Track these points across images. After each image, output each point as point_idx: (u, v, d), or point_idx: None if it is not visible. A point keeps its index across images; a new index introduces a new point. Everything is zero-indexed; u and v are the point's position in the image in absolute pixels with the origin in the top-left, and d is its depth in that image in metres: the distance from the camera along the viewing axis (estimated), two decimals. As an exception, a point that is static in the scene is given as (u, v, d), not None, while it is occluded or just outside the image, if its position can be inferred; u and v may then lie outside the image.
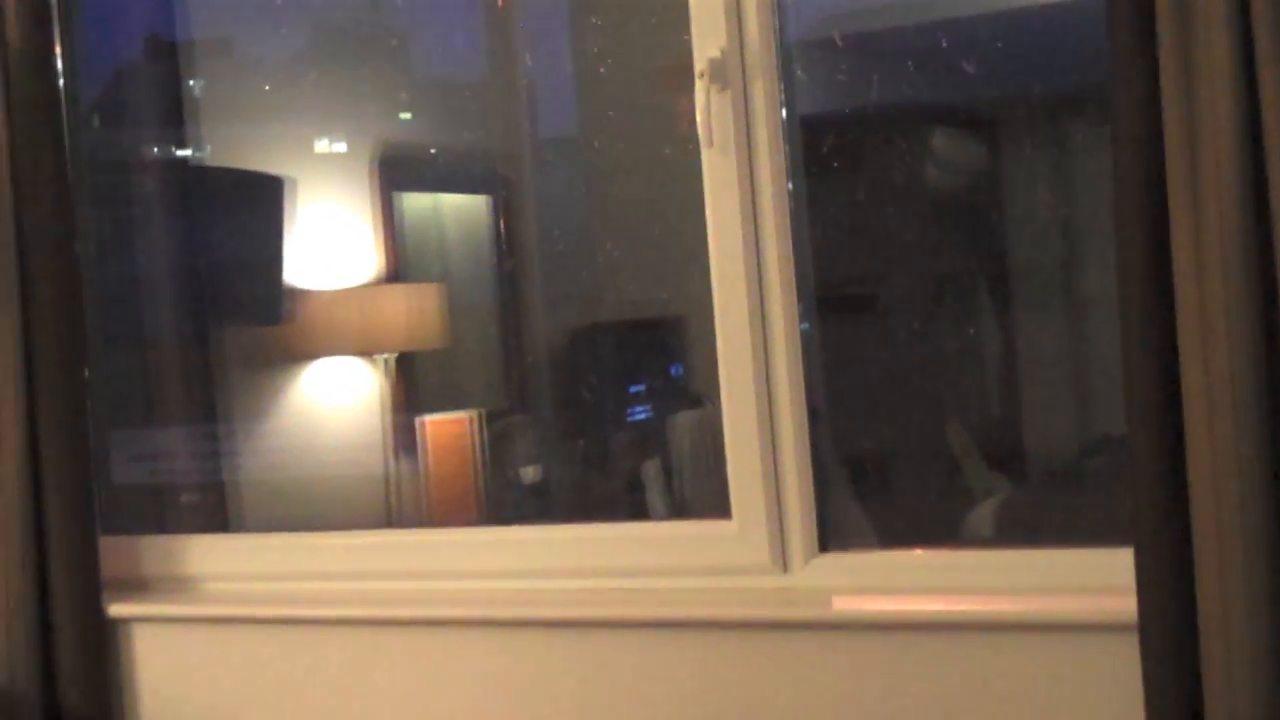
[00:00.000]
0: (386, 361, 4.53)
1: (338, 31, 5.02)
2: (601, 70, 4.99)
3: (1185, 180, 2.13)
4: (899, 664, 2.54)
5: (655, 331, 4.92)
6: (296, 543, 3.25)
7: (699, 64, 2.73)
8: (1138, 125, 2.17)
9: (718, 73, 2.72)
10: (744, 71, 2.73)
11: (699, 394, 4.52)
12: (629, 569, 2.86)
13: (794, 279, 2.74)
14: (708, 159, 2.75)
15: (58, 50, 3.21)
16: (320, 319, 4.49)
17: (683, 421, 4.44)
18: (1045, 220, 4.61)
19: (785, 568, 2.73)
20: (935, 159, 4.64)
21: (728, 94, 2.72)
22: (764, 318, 2.73)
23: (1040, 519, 3.97)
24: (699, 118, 2.72)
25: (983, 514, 4.07)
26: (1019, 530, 3.97)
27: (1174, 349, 2.16)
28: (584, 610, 2.81)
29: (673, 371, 4.93)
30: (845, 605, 2.61)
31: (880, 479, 4.41)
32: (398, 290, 4.66)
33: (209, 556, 3.28)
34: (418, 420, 4.48)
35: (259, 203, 4.50)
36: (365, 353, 4.54)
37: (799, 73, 3.03)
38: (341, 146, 4.87)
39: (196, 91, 4.55)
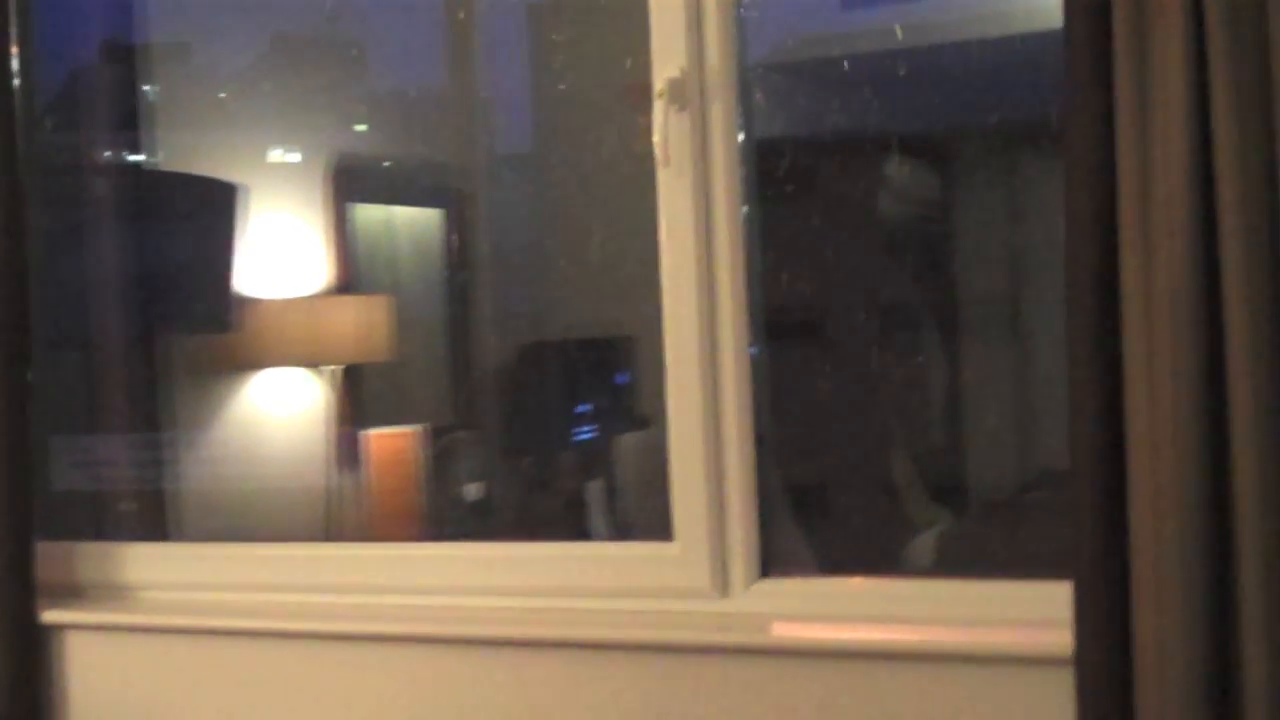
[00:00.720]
0: (333, 373, 4.51)
1: (296, 41, 5.00)
2: (561, 87, 4.99)
3: (1136, 214, 2.14)
4: (837, 691, 2.54)
5: (603, 351, 4.92)
6: (235, 553, 3.23)
7: (658, 83, 2.74)
8: (1090, 158, 2.18)
9: (676, 93, 2.72)
10: (703, 92, 2.74)
11: (645, 415, 4.51)
12: (569, 589, 2.86)
13: (745, 302, 2.74)
14: (663, 179, 2.76)
15: (13, 50, 3.19)
16: (268, 328, 4.46)
17: (628, 442, 4.44)
18: (996, 252, 4.63)
19: (726, 592, 2.73)
20: (888, 187, 4.66)
21: (685, 114, 2.73)
22: (714, 341, 2.73)
23: (980, 551, 3.98)
24: (656, 137, 2.73)
25: (923, 544, 4.08)
26: (959, 561, 3.98)
27: (1120, 384, 2.17)
28: (523, 629, 2.80)
29: (619, 392, 4.92)
30: (785, 631, 2.61)
31: (822, 506, 4.41)
32: (347, 302, 4.64)
33: (146, 564, 3.26)
34: (361, 434, 4.46)
35: (211, 209, 4.47)
36: (312, 363, 4.52)
37: (757, 96, 3.04)
38: (296, 156, 4.84)
39: (152, 96, 4.52)
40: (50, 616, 3.17)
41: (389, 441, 4.43)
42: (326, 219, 4.70)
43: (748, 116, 2.82)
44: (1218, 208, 2.09)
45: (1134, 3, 2.14)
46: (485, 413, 5.09)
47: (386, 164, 5.23)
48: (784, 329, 4.00)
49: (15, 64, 3.20)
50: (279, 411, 4.55)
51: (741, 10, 2.79)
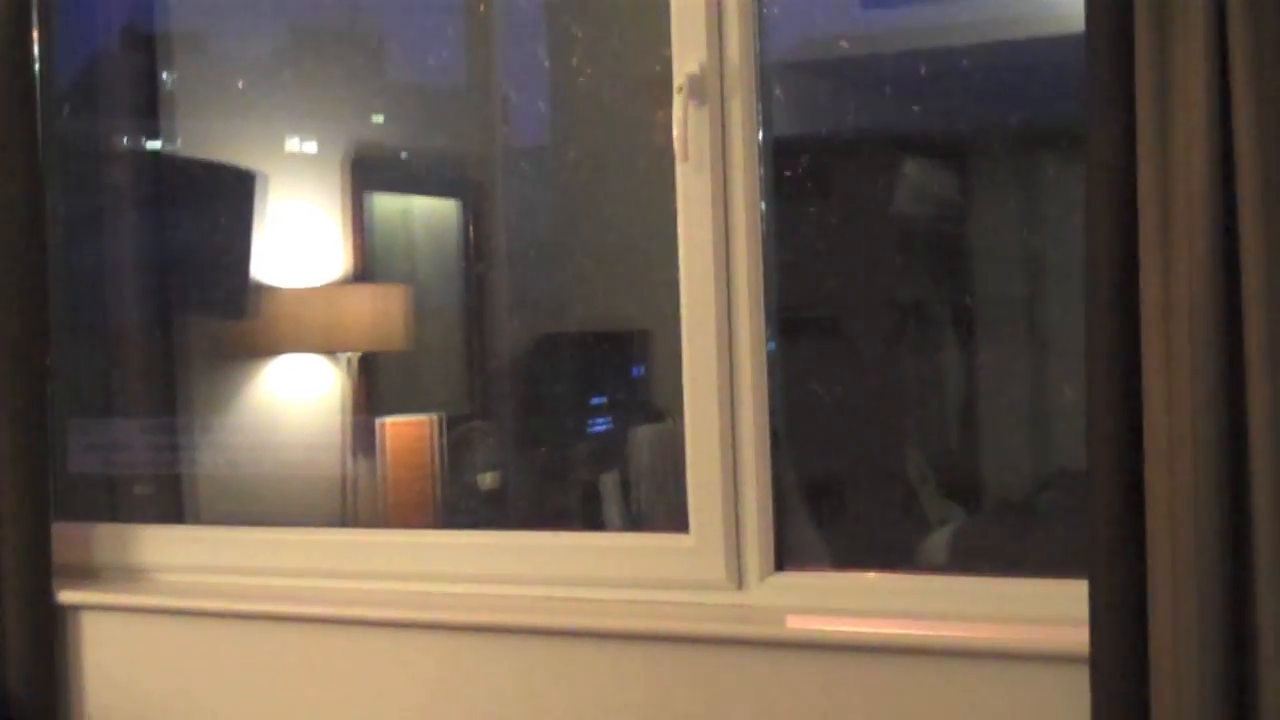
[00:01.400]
0: (349, 361, 4.52)
1: (315, 31, 5.01)
2: (580, 80, 4.99)
3: (1157, 217, 2.14)
4: (850, 685, 2.55)
5: (619, 343, 4.92)
6: (250, 537, 3.24)
7: (678, 79, 2.74)
8: (1111, 160, 2.19)
9: (696, 88, 2.73)
10: (722, 88, 2.74)
11: (660, 408, 4.52)
12: (584, 578, 2.87)
13: (763, 298, 2.75)
14: (682, 174, 2.76)
15: (34, 36, 3.20)
16: (285, 316, 4.47)
17: (643, 435, 4.44)
18: (1013, 253, 4.64)
19: (740, 584, 2.74)
20: (906, 187, 4.67)
21: (705, 110, 2.73)
22: (731, 335, 2.74)
23: (993, 549, 3.99)
24: (675, 132, 2.73)
25: (937, 541, 4.09)
26: (972, 558, 3.99)
27: (1138, 385, 2.17)
28: (537, 618, 2.81)
29: (635, 384, 4.93)
30: (799, 624, 2.62)
31: (837, 502, 4.42)
32: (364, 290, 4.65)
33: (162, 547, 3.27)
34: (378, 421, 4.47)
35: (229, 196, 4.48)
36: (329, 351, 4.53)
37: (777, 93, 3.04)
38: (313, 146, 4.86)
39: (170, 85, 4.53)
40: (67, 597, 3.19)
41: (405, 429, 4.44)
42: (344, 208, 4.72)
43: (767, 113, 2.83)
44: (1239, 211, 2.10)
45: (1156, 5, 2.14)
46: (501, 403, 5.10)
47: (404, 155, 5.24)
48: (800, 325, 4.00)
49: (36, 50, 3.21)
50: (295, 398, 4.57)
51: (762, 7, 2.80)
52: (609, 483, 4.42)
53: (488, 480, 4.69)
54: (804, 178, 4.25)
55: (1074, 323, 2.25)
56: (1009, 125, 4.39)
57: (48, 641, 3.16)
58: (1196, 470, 2.10)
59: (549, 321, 5.06)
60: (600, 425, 4.97)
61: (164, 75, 4.49)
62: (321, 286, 4.59)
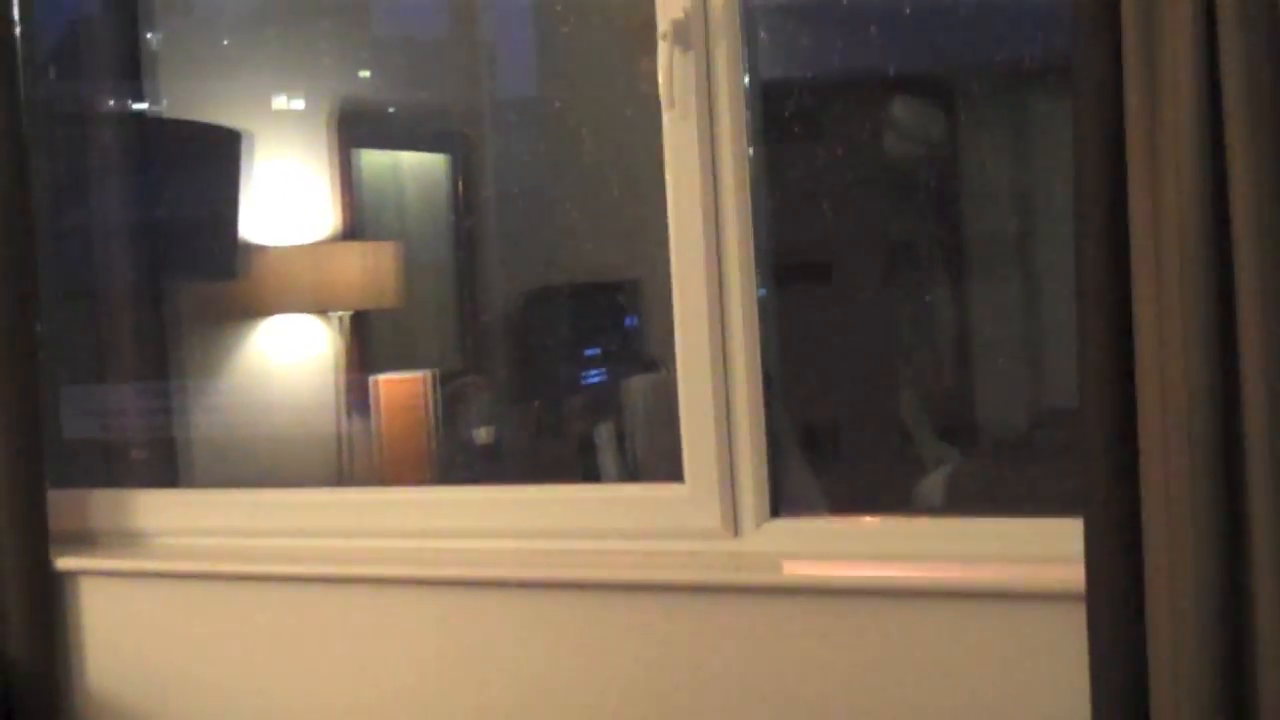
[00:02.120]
0: (341, 319, 4.51)
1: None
2: (564, 30, 4.96)
3: (1145, 151, 2.13)
4: (848, 629, 2.55)
5: (611, 294, 4.91)
6: (246, 499, 3.24)
7: (662, 25, 2.73)
8: (1098, 94, 2.18)
9: (680, 34, 2.71)
10: (707, 33, 2.73)
11: (654, 358, 4.51)
12: (580, 531, 2.87)
13: (752, 245, 2.74)
14: (668, 121, 2.75)
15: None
16: (275, 275, 4.46)
17: (637, 385, 4.44)
18: (1004, 191, 4.62)
19: (736, 532, 2.74)
20: (895, 127, 4.64)
21: (690, 56, 2.72)
22: (721, 283, 2.73)
23: (989, 489, 3.99)
24: (660, 79, 2.72)
25: (933, 483, 4.09)
26: (968, 500, 3.99)
27: (1129, 322, 2.16)
28: (534, 571, 2.82)
29: (628, 335, 4.92)
30: (795, 570, 2.62)
31: (832, 446, 4.42)
32: (353, 248, 4.63)
33: (158, 511, 3.27)
34: (371, 379, 4.46)
35: (216, 156, 4.46)
36: (320, 310, 4.52)
37: (762, 36, 3.02)
38: (300, 103, 4.83)
39: (155, 45, 4.50)
40: (64, 563, 3.19)
41: (399, 387, 4.43)
42: (332, 165, 4.69)
43: (752, 57, 2.81)
44: (1226, 139, 2.09)
45: (1141, -62, 2.13)
46: (494, 357, 5.09)
47: (391, 110, 5.21)
48: (792, 270, 3.98)
49: (16, 13, 3.19)
50: (288, 358, 4.56)
51: (745, -52, 2.77)
52: (604, 434, 4.42)
53: (483, 435, 4.68)
54: (792, 121, 4.22)
55: (1066, 259, 2.24)
56: (996, 62, 4.37)
57: (46, 608, 3.16)
58: (1189, 404, 2.10)
59: (540, 274, 5.05)
60: (594, 377, 4.96)
61: (148, 36, 4.46)
62: (311, 245, 4.57)
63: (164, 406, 4.17)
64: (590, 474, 4.43)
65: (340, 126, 4.73)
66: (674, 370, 2.79)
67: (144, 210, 4.22)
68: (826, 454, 4.32)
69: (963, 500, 3.97)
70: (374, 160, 4.97)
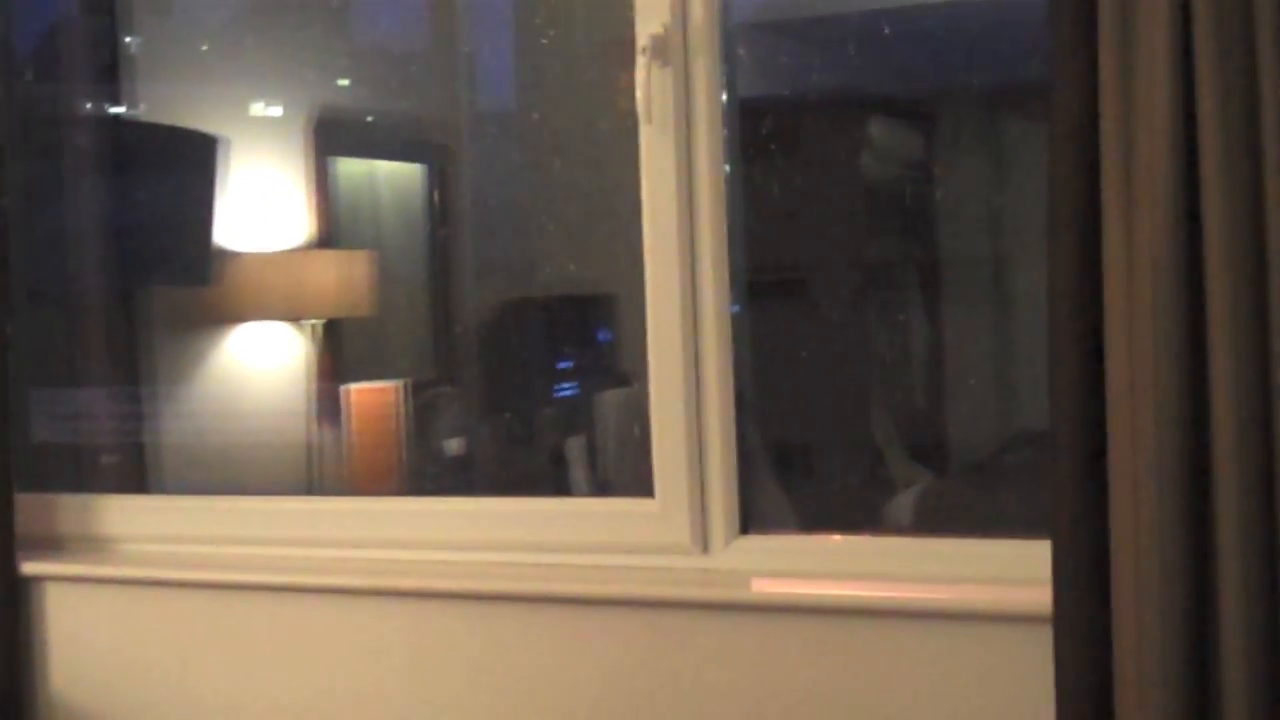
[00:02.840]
0: (314, 328, 4.50)
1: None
2: (543, 42, 4.97)
3: (1119, 178, 2.14)
4: (816, 647, 2.55)
5: (585, 308, 4.91)
6: (215, 506, 3.23)
7: (641, 40, 2.73)
8: (1074, 120, 2.18)
9: (659, 49, 2.71)
10: (686, 49, 2.73)
11: (627, 372, 4.52)
12: (550, 544, 2.86)
13: (727, 261, 2.74)
14: (646, 136, 2.75)
15: (-7, 1, 3.17)
16: (248, 282, 4.44)
17: (609, 399, 4.44)
18: (979, 213, 4.63)
19: (706, 548, 2.74)
20: (872, 148, 4.66)
21: (668, 71, 2.72)
22: (695, 299, 2.73)
23: (959, 510, 4.00)
24: (639, 94, 2.72)
25: (903, 503, 4.10)
26: (938, 520, 4.00)
27: (1100, 347, 2.17)
28: (504, 584, 2.81)
29: (601, 349, 4.92)
30: (764, 587, 2.62)
31: (804, 464, 4.42)
32: (328, 256, 4.62)
33: (126, 517, 3.25)
34: (343, 388, 4.45)
35: (191, 161, 4.44)
36: (293, 318, 4.50)
37: (741, 53, 3.03)
38: (278, 110, 4.82)
39: (133, 48, 4.49)
40: (30, 568, 3.17)
41: (370, 396, 4.42)
42: (308, 173, 4.68)
43: (731, 74, 2.81)
44: (1201, 167, 2.09)
45: (1119, -36, 2.13)
46: (467, 368, 5.08)
47: (369, 119, 5.20)
48: (767, 288, 3.99)
49: (-6, 13, 3.18)
50: (260, 365, 4.54)
51: (726, -33, 2.78)
52: (575, 448, 4.42)
53: (454, 446, 4.68)
54: (770, 139, 4.23)
55: (1040, 282, 2.25)
56: (974, 85, 4.39)
57: (12, 613, 3.14)
58: (1158, 429, 2.10)
59: (515, 286, 5.05)
60: (566, 390, 4.96)
61: (126, 39, 4.45)
62: (285, 252, 4.56)
63: (134, 411, 4.15)
64: (562, 487, 4.43)
65: (317, 134, 4.73)
66: (647, 385, 2.79)
67: (119, 214, 4.21)
68: (798, 472, 4.32)
69: (932, 520, 3.98)
70: (350, 169, 4.96)
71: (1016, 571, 2.45)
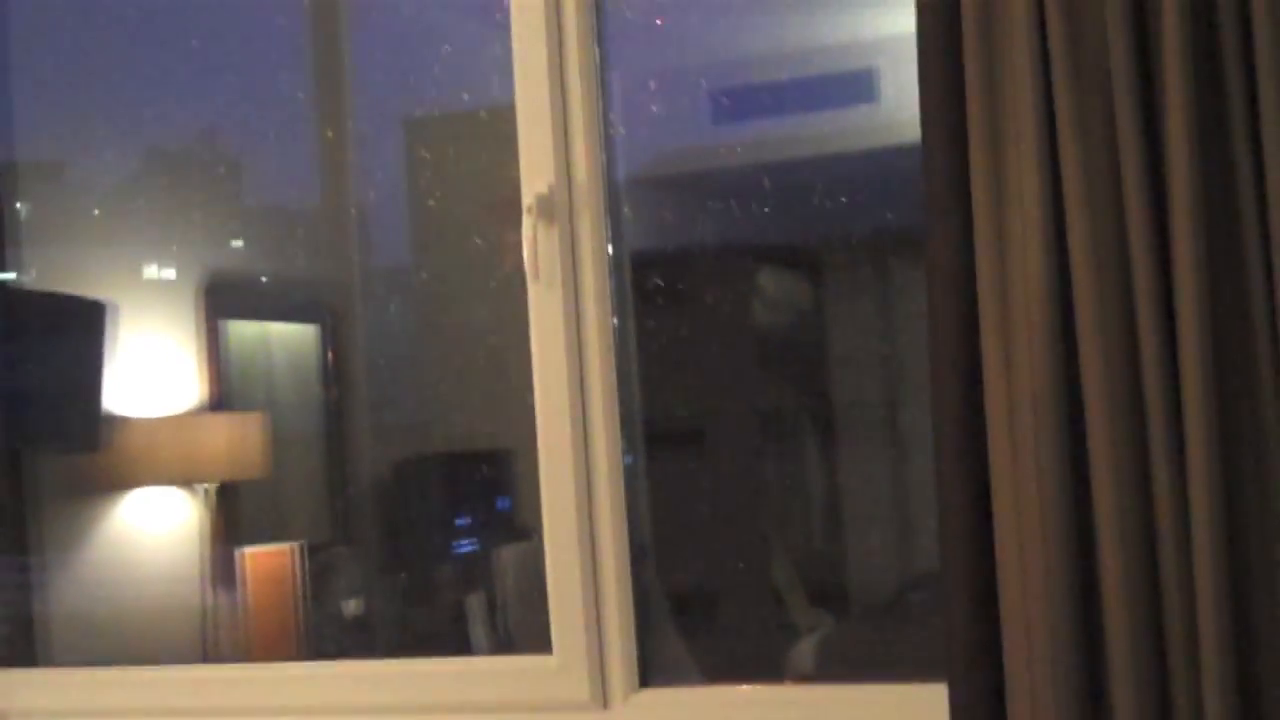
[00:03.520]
0: (207, 491, 4.45)
1: (171, 157, 4.98)
2: (430, 203, 5.01)
3: (997, 321, 2.18)
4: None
5: (483, 464, 4.90)
6: (107, 677, 3.17)
7: (526, 199, 2.77)
8: (951, 265, 2.23)
9: (545, 208, 2.75)
10: (571, 207, 2.77)
11: (526, 527, 4.50)
12: (450, 704, 2.84)
13: (618, 413, 2.76)
14: (534, 293, 2.78)
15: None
16: (139, 447, 4.39)
17: (508, 554, 4.42)
18: (869, 358, 4.69)
19: (605, 703, 2.72)
20: (762, 296, 4.72)
21: (554, 229, 2.75)
22: (587, 451, 2.74)
23: (861, 654, 4.00)
24: (525, 252, 2.75)
25: (805, 649, 4.09)
26: (840, 665, 4.00)
27: (986, 484, 2.20)
28: (402, 747, 2.77)
29: (499, 504, 4.90)
30: (665, 742, 2.60)
31: (705, 613, 4.41)
32: (219, 419, 4.59)
33: (14, 690, 3.19)
34: (238, 551, 4.40)
35: (79, 328, 4.41)
36: (185, 482, 4.45)
37: (627, 210, 3.07)
38: (171, 273, 4.81)
39: (23, 214, 4.47)
40: (-87, 749, 3.09)
41: (266, 559, 4.37)
42: (199, 336, 4.67)
43: (617, 230, 2.85)
44: (1075, 310, 2.14)
45: (989, 119, 2.19)
46: (363, 528, 5.04)
47: (263, 280, 5.20)
48: (664, 437, 4.01)
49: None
50: (152, 531, 4.48)
51: (609, 127, 2.83)
52: (475, 604, 4.38)
53: (352, 607, 4.63)
54: (662, 291, 4.28)
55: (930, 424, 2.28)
56: (858, 234, 4.47)
57: (-106, 795, 3.05)
58: (1047, 570, 2.13)
59: (411, 444, 5.03)
60: (465, 546, 4.93)
61: (16, 205, 4.43)
62: (176, 416, 4.52)
63: (22, 581, 4.07)
64: (462, 644, 4.38)
65: (208, 297, 4.72)
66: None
67: (5, 381, 4.16)
68: (700, 620, 4.31)
69: (835, 666, 3.98)
70: (242, 331, 4.94)
71: (918, 715, 2.45)
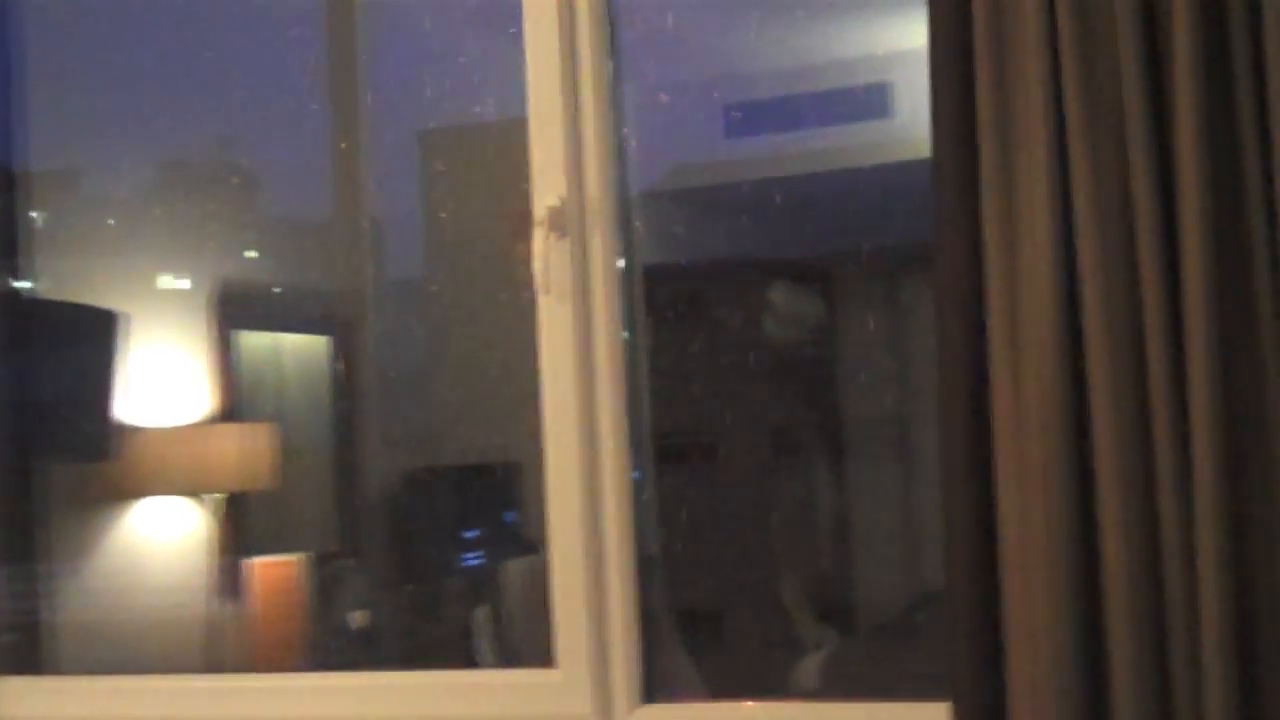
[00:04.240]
0: (215, 501, 4.46)
1: (186, 167, 5.00)
2: (443, 215, 5.01)
3: (1005, 337, 2.17)
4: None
5: (491, 477, 4.90)
6: (113, 686, 3.17)
7: (538, 212, 2.76)
8: (960, 284, 2.22)
9: (556, 221, 2.75)
10: (583, 220, 2.76)
11: (532, 541, 4.50)
12: (454, 717, 2.84)
13: (626, 427, 2.75)
14: (544, 306, 2.77)
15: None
16: (149, 457, 4.41)
17: (515, 568, 4.42)
18: (880, 374, 4.69)
19: (609, 718, 2.71)
20: (773, 311, 4.72)
21: (565, 242, 2.75)
22: (595, 465, 2.74)
23: (866, 672, 4.00)
24: (536, 265, 2.75)
25: (811, 666, 4.09)
26: (846, 682, 3.99)
27: (993, 504, 2.19)
28: (406, 760, 2.77)
29: (507, 518, 4.90)
30: (667, 757, 2.60)
31: (711, 628, 4.41)
32: (229, 430, 4.60)
33: (21, 698, 3.19)
34: (245, 562, 4.40)
35: (91, 337, 4.42)
36: (194, 493, 4.46)
37: (638, 224, 3.07)
38: (185, 283, 4.82)
39: (38, 223, 4.49)
40: (-81, 756, 3.10)
41: (273, 570, 4.38)
42: (210, 346, 4.68)
43: (628, 243, 2.85)
44: (1084, 327, 2.13)
45: (999, 133, 2.19)
46: (370, 540, 5.05)
47: (276, 290, 5.21)
48: (674, 452, 4.01)
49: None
50: (161, 541, 4.49)
51: (622, 140, 2.83)
52: (481, 617, 4.38)
53: (358, 619, 4.63)
54: (674, 305, 4.28)
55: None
56: (868, 248, 4.47)
57: (-102, 802, 3.06)
58: (1052, 588, 2.12)
59: (420, 456, 5.03)
60: (472, 559, 4.93)
61: (31, 214, 4.45)
62: (186, 426, 4.53)
63: (31, 590, 4.08)
64: (468, 658, 4.38)
65: (220, 307, 4.73)
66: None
67: (16, 389, 4.17)
68: (706, 636, 4.31)
69: (840, 683, 3.97)
70: (254, 341, 4.95)
71: (920, 734, 2.45)
